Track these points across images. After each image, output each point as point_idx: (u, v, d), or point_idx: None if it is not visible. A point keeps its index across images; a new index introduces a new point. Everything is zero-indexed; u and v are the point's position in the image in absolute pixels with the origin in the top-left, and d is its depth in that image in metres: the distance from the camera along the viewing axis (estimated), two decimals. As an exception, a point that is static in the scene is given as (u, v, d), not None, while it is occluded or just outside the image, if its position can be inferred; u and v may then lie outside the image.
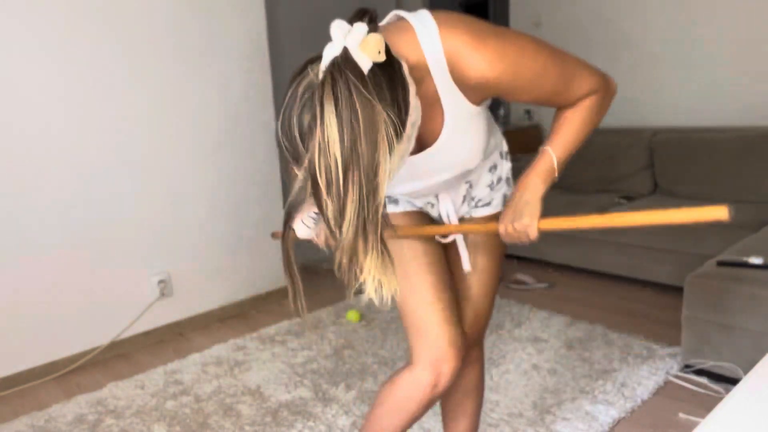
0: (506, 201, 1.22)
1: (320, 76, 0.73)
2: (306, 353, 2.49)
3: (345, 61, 0.73)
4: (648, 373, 2.13)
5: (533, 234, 1.01)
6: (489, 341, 2.48)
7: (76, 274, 2.48)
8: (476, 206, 1.25)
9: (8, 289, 2.32)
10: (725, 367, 2.00)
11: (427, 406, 1.20)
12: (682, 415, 1.88)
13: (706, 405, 1.92)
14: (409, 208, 1.24)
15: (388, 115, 0.74)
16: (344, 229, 0.75)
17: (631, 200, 3.28)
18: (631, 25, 3.61)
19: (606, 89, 1.01)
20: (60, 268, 2.44)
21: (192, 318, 2.88)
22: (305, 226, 0.86)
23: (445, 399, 1.44)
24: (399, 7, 5.06)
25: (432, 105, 0.95)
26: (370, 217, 0.75)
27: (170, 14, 2.63)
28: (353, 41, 0.74)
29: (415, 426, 1.90)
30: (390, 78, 0.76)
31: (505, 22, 6.75)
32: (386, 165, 0.74)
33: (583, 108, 1.02)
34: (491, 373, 2.21)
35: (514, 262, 3.61)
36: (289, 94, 0.76)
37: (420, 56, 0.90)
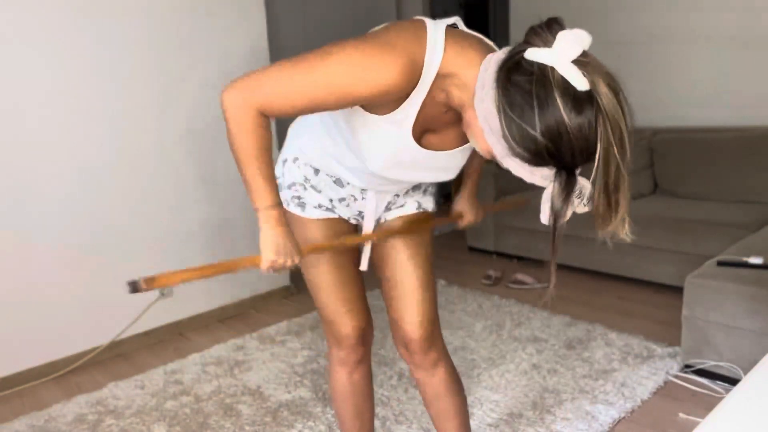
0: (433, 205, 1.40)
1: (577, 80, 0.81)
2: (306, 353, 2.49)
3: (589, 58, 0.87)
4: (648, 373, 2.13)
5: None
6: (489, 341, 2.48)
7: (76, 274, 2.48)
8: (389, 209, 1.33)
9: (8, 289, 2.32)
10: (725, 367, 2.00)
11: (355, 391, 1.45)
12: (682, 415, 1.88)
13: (706, 405, 1.92)
14: (318, 215, 1.29)
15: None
16: (621, 199, 0.92)
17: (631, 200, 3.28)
18: (630, 25, 3.61)
19: None
20: (60, 268, 2.44)
21: (192, 318, 2.88)
22: (585, 205, 1.00)
23: (426, 406, 1.45)
24: (399, 7, 5.06)
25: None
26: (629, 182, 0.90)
27: (170, 14, 2.63)
28: (587, 43, 0.89)
29: (415, 425, 1.90)
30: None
31: (505, 22, 6.75)
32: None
33: None
34: (491, 372, 2.21)
35: (515, 262, 3.61)
36: (536, 102, 0.81)
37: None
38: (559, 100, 0.79)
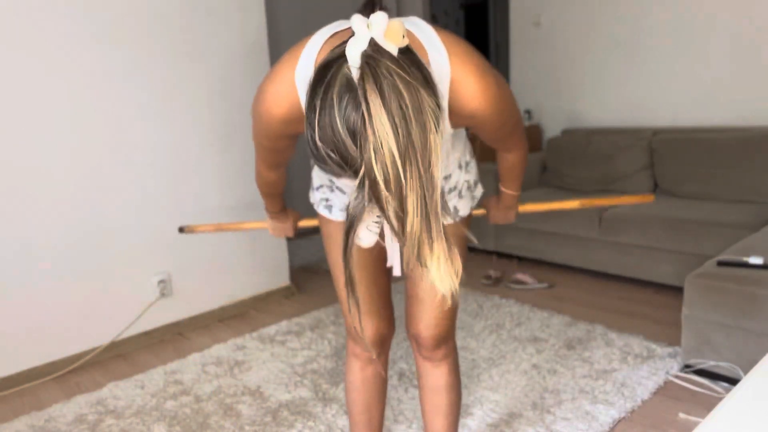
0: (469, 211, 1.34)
1: (354, 72, 0.71)
2: (306, 353, 2.49)
3: (376, 51, 0.71)
4: (648, 373, 2.13)
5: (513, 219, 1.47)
6: (489, 341, 2.48)
7: (76, 274, 2.48)
8: None
9: (8, 289, 2.32)
10: (725, 367, 2.00)
11: (365, 386, 1.47)
12: (682, 415, 1.88)
13: (706, 405, 1.93)
14: (343, 218, 1.28)
15: (426, 92, 0.72)
16: (408, 223, 0.74)
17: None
18: (630, 25, 3.61)
19: (527, 148, 1.26)
20: (60, 268, 2.44)
21: (192, 318, 2.88)
22: (370, 232, 0.84)
23: (421, 398, 1.46)
24: (399, 6, 5.06)
25: None
26: (431, 205, 0.74)
27: (170, 13, 2.63)
28: (378, 31, 0.73)
29: (415, 425, 1.90)
30: (414, 60, 0.75)
31: (505, 22, 6.76)
32: (437, 147, 0.73)
33: (522, 157, 1.26)
34: (491, 372, 2.21)
35: (515, 261, 3.61)
36: (319, 103, 0.73)
37: (427, 63, 0.92)
38: (335, 98, 0.72)
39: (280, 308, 3.09)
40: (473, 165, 1.34)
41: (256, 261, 3.11)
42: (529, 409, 1.97)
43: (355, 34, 0.73)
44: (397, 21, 0.75)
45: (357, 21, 0.74)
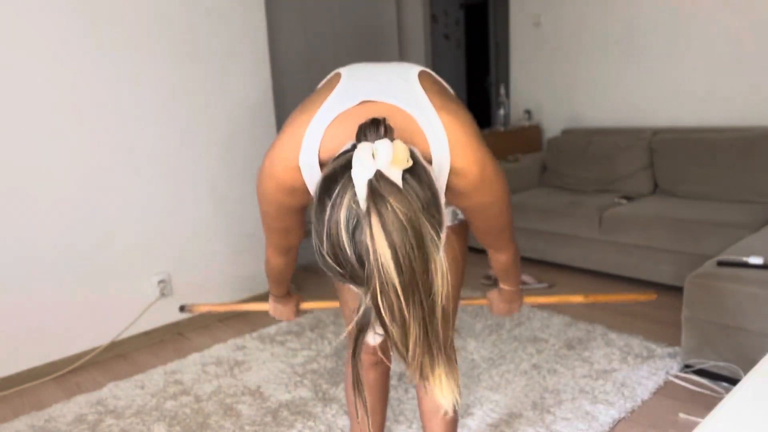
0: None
1: (362, 204, 0.72)
2: (306, 353, 2.49)
3: (381, 183, 0.72)
4: (648, 373, 2.13)
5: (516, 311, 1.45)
6: (489, 341, 2.48)
7: (76, 274, 2.48)
8: None
9: (8, 289, 2.32)
10: (725, 367, 2.00)
11: (367, 388, 1.48)
12: (682, 415, 1.88)
13: (706, 405, 1.93)
14: None
15: (428, 218, 0.74)
16: (411, 347, 0.76)
17: (631, 200, 3.28)
18: (630, 25, 3.61)
19: (517, 251, 1.24)
20: (60, 268, 2.44)
21: (192, 318, 2.88)
22: (378, 335, 0.85)
23: (419, 400, 1.46)
24: (399, 9, 5.06)
25: None
26: (433, 332, 0.76)
27: (170, 14, 2.63)
28: (384, 161, 0.73)
29: (415, 425, 1.90)
30: (418, 176, 0.77)
31: (505, 22, 6.75)
32: (439, 272, 0.75)
33: (513, 258, 1.24)
34: (491, 372, 2.21)
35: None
36: (326, 218, 0.75)
37: (427, 154, 0.92)
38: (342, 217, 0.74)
39: (280, 308, 3.09)
40: None
41: (256, 261, 3.11)
42: (529, 409, 1.97)
43: (361, 163, 0.74)
44: (401, 146, 0.75)
45: (362, 150, 0.74)
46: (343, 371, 2.31)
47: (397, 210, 0.71)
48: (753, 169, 2.96)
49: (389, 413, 1.98)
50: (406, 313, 0.73)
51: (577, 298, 1.50)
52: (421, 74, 1.00)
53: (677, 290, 2.95)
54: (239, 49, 2.90)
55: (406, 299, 0.72)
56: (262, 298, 3.15)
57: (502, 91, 4.43)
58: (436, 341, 0.78)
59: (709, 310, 1.99)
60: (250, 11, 2.93)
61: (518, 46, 4.29)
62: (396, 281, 0.71)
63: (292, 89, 4.31)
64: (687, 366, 2.11)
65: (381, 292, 0.72)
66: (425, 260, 0.73)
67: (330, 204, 0.75)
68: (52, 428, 2.04)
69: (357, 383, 0.84)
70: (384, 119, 0.80)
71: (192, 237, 2.84)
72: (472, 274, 3.39)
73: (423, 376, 0.80)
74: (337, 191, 0.75)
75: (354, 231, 0.73)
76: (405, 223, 0.71)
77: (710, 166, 3.11)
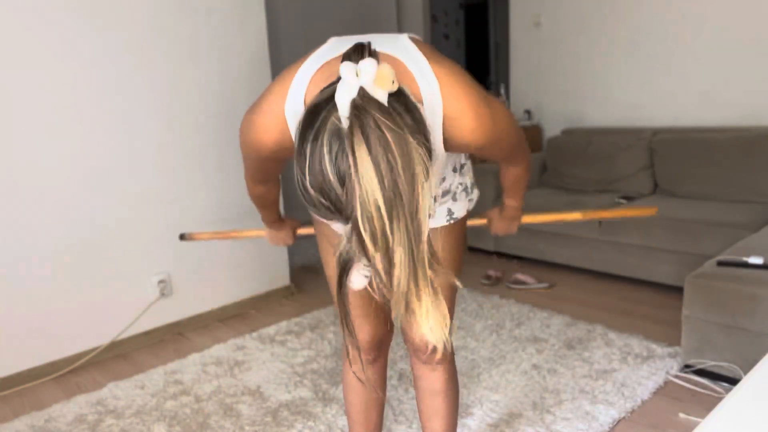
0: (453, 216, 1.30)
1: (344, 122, 0.70)
2: (306, 353, 2.49)
3: (365, 100, 0.70)
4: (648, 373, 2.13)
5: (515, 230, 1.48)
6: (489, 341, 2.48)
7: (76, 274, 2.48)
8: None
9: (8, 289, 2.32)
10: (725, 367, 2.00)
11: (363, 386, 1.48)
12: (682, 415, 1.88)
13: (706, 405, 1.93)
14: None
15: (416, 140, 0.72)
16: (395, 275, 0.73)
17: (631, 200, 3.29)
18: (630, 25, 3.61)
19: (530, 160, 1.27)
20: (60, 268, 2.44)
21: (192, 318, 2.88)
22: (363, 276, 0.83)
23: (418, 401, 1.45)
24: (399, 6, 5.07)
25: None
26: (419, 257, 0.73)
27: (170, 14, 2.63)
28: (367, 78, 0.72)
29: (415, 425, 1.90)
30: (405, 103, 0.75)
31: (505, 22, 6.75)
32: (426, 196, 0.72)
33: (525, 170, 1.27)
34: (491, 372, 2.21)
35: (515, 261, 3.61)
36: (309, 148, 0.72)
37: (418, 97, 0.90)
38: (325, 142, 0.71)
39: (280, 308, 3.09)
40: (468, 167, 1.34)
41: (256, 261, 3.11)
42: (529, 409, 1.97)
43: (344, 81, 0.72)
44: (386, 67, 0.74)
45: (346, 68, 0.73)
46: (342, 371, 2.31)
47: (381, 123, 0.69)
48: (753, 169, 2.96)
49: (389, 413, 1.99)
50: (389, 234, 0.70)
51: (575, 215, 1.50)
52: (411, 37, 1.00)
53: (677, 290, 2.95)
54: (240, 48, 2.90)
55: (389, 218, 0.69)
56: (263, 297, 3.15)
57: (502, 91, 4.43)
58: (423, 272, 0.75)
59: (709, 310, 1.99)
60: (251, 12, 2.93)
61: (518, 46, 4.29)
62: (379, 196, 0.68)
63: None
64: (687, 366, 2.11)
65: (362, 210, 0.68)
66: (411, 181, 0.70)
67: (313, 133, 0.72)
68: (52, 428, 2.04)
69: (345, 322, 0.82)
70: (369, 43, 0.79)
71: (192, 237, 2.84)
72: (472, 274, 3.39)
73: (408, 310, 0.77)
74: (320, 120, 0.72)
75: (337, 154, 0.70)
76: (389, 137, 0.68)
77: (710, 166, 3.11)
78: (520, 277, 3.18)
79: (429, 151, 0.74)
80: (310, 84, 0.93)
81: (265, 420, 2.00)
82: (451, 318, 1.36)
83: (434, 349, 1.34)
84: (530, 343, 2.45)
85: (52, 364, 2.45)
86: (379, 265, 0.72)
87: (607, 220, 3.04)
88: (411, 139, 0.71)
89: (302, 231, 1.54)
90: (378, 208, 0.69)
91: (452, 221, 1.29)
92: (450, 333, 0.82)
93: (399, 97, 0.75)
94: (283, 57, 4.25)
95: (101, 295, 2.56)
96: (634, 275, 3.02)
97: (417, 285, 0.75)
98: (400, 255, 0.72)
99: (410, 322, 0.79)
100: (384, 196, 0.68)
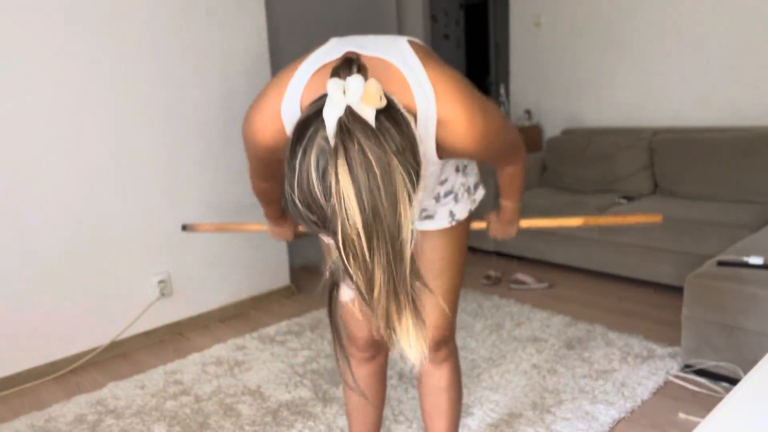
0: (456, 219, 1.29)
1: (331, 141, 0.70)
2: (306, 353, 2.49)
3: (351, 119, 0.70)
4: (648, 373, 2.13)
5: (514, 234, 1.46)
6: (489, 341, 2.48)
7: (76, 274, 2.48)
8: (419, 218, 1.27)
9: (8, 289, 2.32)
10: (725, 367, 2.00)
11: (361, 384, 1.47)
12: (682, 415, 1.88)
13: (706, 405, 1.93)
14: None
15: (402, 161, 0.72)
16: (375, 296, 0.74)
17: (631, 200, 3.29)
18: (630, 25, 3.61)
19: (526, 159, 1.25)
20: (60, 268, 2.44)
21: (192, 318, 2.88)
22: (351, 288, 0.85)
23: (421, 398, 1.46)
24: (399, 7, 5.06)
25: None
26: (400, 278, 0.74)
27: (170, 15, 2.63)
28: (354, 97, 0.72)
29: (415, 425, 1.90)
30: (394, 120, 0.74)
31: (505, 22, 6.76)
32: (408, 218, 0.72)
33: (521, 169, 1.25)
34: (491, 372, 2.21)
35: (515, 261, 3.61)
36: (297, 164, 0.73)
37: (411, 106, 0.90)
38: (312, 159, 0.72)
39: (280, 308, 3.09)
40: (472, 167, 1.33)
41: (256, 261, 3.11)
42: (529, 409, 1.97)
43: (331, 99, 0.72)
44: (373, 84, 0.73)
45: (333, 85, 0.73)
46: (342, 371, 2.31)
47: (365, 146, 0.69)
48: (753, 169, 2.96)
49: (389, 413, 1.98)
50: (367, 255, 0.70)
51: (577, 221, 1.47)
52: (410, 41, 1.00)
53: (677, 290, 2.95)
54: (239, 48, 2.90)
55: (368, 241, 0.70)
56: (263, 297, 3.15)
57: (502, 91, 4.43)
58: (404, 293, 0.75)
59: (709, 310, 1.99)
60: (251, 12, 2.93)
61: (518, 46, 4.29)
62: (357, 219, 0.69)
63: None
64: (687, 366, 2.11)
65: (342, 232, 0.69)
66: (393, 203, 0.70)
67: (302, 149, 0.73)
68: (52, 428, 2.04)
69: (337, 337, 0.83)
70: (358, 57, 0.78)
71: (192, 237, 2.84)
72: (473, 274, 3.39)
73: (389, 326, 0.77)
74: (308, 135, 0.73)
75: (324, 172, 0.70)
76: (373, 161, 0.69)
77: (710, 166, 3.11)
78: (520, 277, 3.18)
79: (416, 171, 0.74)
80: (306, 87, 0.93)
81: (265, 420, 2.00)
82: (454, 317, 1.37)
83: (437, 346, 1.34)
84: (530, 343, 2.45)
85: (52, 364, 2.45)
86: (361, 284, 0.73)
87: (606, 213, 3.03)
88: (396, 162, 0.71)
89: (303, 229, 1.54)
90: (358, 233, 0.69)
91: (454, 223, 1.29)
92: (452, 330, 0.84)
93: (388, 111, 0.74)
94: (283, 57, 4.25)
95: (101, 295, 2.56)
96: (634, 275, 3.02)
97: (398, 304, 0.76)
98: (380, 276, 0.72)
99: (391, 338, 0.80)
100: (363, 220, 0.69)
